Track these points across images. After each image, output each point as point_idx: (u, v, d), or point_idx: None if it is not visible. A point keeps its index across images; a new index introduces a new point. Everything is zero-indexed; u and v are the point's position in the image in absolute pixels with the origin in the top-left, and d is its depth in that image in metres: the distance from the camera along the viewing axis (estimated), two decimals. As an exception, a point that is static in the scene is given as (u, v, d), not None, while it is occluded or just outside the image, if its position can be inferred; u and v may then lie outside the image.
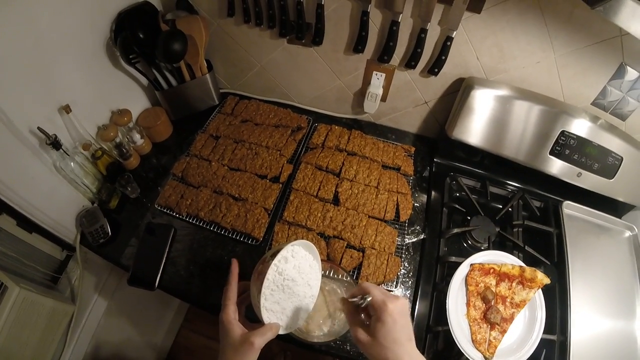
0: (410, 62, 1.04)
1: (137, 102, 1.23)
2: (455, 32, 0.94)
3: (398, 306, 0.59)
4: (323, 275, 0.88)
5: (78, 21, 0.96)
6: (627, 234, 1.10)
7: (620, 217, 1.12)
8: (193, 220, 1.06)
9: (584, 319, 0.94)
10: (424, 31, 0.96)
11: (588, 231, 1.10)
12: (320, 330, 0.84)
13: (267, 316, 0.68)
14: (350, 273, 0.94)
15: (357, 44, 1.05)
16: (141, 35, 1.07)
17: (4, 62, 0.79)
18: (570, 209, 1.10)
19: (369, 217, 1.04)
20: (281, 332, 0.70)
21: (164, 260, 1.01)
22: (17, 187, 0.91)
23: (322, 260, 0.92)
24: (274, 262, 0.67)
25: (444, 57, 1.00)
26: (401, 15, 0.95)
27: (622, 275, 1.03)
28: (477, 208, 1.09)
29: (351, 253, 0.98)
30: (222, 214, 1.03)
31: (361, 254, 0.98)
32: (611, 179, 1.04)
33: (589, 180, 1.05)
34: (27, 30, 0.83)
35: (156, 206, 1.10)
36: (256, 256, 0.98)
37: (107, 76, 1.12)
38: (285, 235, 1.00)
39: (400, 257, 1.00)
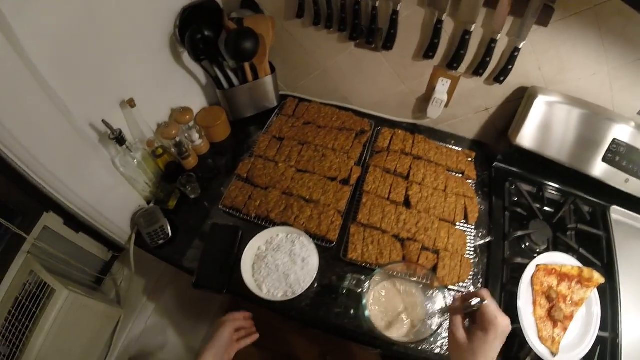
0: (478, 70, 1.11)
1: (196, 100, 1.25)
2: (522, 43, 1.03)
3: (505, 325, 0.63)
4: (399, 277, 0.96)
5: (142, 15, 0.98)
6: None
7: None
8: (262, 222, 1.08)
9: (634, 319, 1.02)
10: (493, 41, 1.04)
11: (633, 235, 1.19)
12: (399, 330, 0.90)
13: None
14: (428, 273, 1.00)
15: (428, 51, 1.12)
16: (206, 33, 1.11)
17: (67, 52, 0.80)
18: (617, 213, 1.20)
19: (440, 219, 1.10)
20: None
21: (232, 263, 1.03)
22: (73, 183, 0.91)
23: (398, 261, 1.00)
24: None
25: (510, 67, 1.08)
26: (474, 25, 1.03)
27: None
28: (535, 212, 1.19)
29: (426, 255, 1.03)
30: (295, 216, 1.06)
31: (436, 255, 1.04)
32: None
33: (636, 186, 1.15)
34: (91, 22, 0.84)
35: (220, 207, 1.12)
36: (329, 258, 1.03)
37: (168, 73, 1.14)
38: (362, 237, 1.04)
39: (471, 258, 1.08)
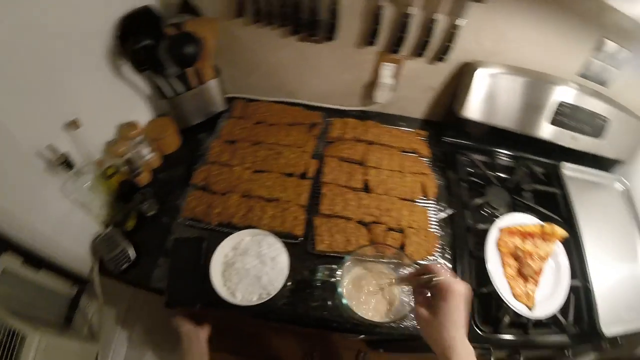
0: (419, 51, 1.15)
1: (142, 113, 1.22)
2: (461, 21, 1.08)
3: (463, 291, 0.66)
4: (370, 261, 0.99)
5: (79, 30, 0.95)
6: (619, 186, 1.32)
7: (608, 172, 1.35)
8: (226, 228, 1.07)
9: (600, 265, 1.10)
10: (433, 21, 1.09)
11: (586, 188, 1.29)
12: (378, 312, 0.93)
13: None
14: (397, 252, 1.03)
15: (370, 37, 1.14)
16: (145, 42, 1.09)
17: (6, 78, 0.77)
18: (568, 170, 1.30)
19: (401, 199, 1.13)
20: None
21: (201, 275, 1.00)
22: (25, 218, 0.87)
23: (366, 245, 1.02)
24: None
25: (450, 44, 1.13)
26: (412, 7, 1.06)
27: (621, 223, 1.24)
28: (491, 179, 1.25)
29: (392, 235, 1.06)
30: (258, 217, 1.06)
31: (401, 234, 1.07)
32: (600, 138, 1.24)
33: (582, 142, 1.25)
34: (26, 43, 0.80)
35: (181, 220, 1.10)
36: (298, 254, 1.04)
37: (110, 87, 1.11)
38: (327, 227, 1.05)
39: (436, 232, 1.12)
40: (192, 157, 1.23)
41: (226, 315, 1.14)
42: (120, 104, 1.15)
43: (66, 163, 0.93)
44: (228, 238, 1.01)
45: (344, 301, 0.88)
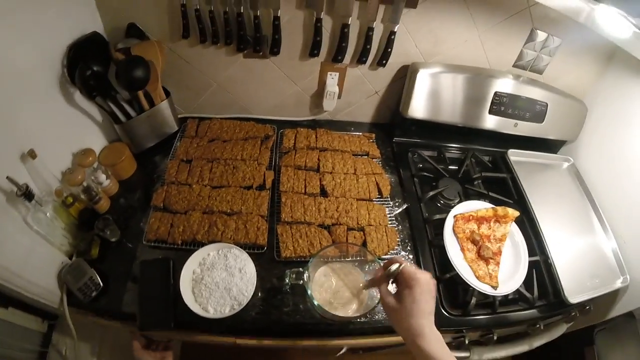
0: (361, 58, 1.25)
1: (96, 140, 1.24)
2: (397, 27, 1.17)
3: (427, 279, 0.71)
4: (335, 261, 1.06)
5: (27, 60, 0.97)
6: (566, 164, 1.47)
7: (556, 153, 1.49)
8: (190, 246, 1.11)
9: (558, 240, 1.22)
10: (371, 29, 1.18)
11: (534, 170, 1.42)
12: (349, 309, 1.00)
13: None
14: (360, 249, 1.09)
15: (313, 49, 1.22)
16: (95, 68, 1.12)
17: None
18: (514, 155, 1.42)
19: (357, 199, 1.21)
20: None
21: (172, 294, 1.04)
22: None
23: (329, 245, 1.09)
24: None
25: (389, 50, 1.23)
26: (350, 18, 1.15)
27: (573, 199, 1.37)
28: (441, 172, 1.36)
29: (353, 234, 1.14)
30: (221, 231, 1.10)
31: (362, 232, 1.15)
32: (542, 122, 1.37)
33: (525, 128, 1.38)
34: None
35: (145, 242, 1.13)
36: (264, 263, 1.09)
37: (63, 116, 1.13)
38: (290, 234, 1.11)
39: (394, 227, 1.20)
40: (149, 179, 1.27)
41: (191, 344, 1.18)
42: (74, 131, 1.17)
43: (27, 194, 0.94)
44: (193, 255, 1.05)
45: (315, 302, 0.94)
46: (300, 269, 1.04)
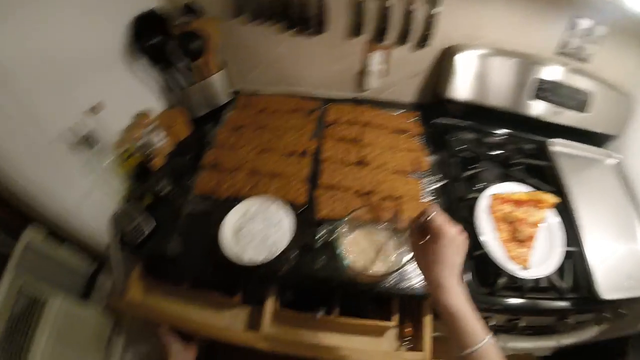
0: (402, 39, 1.33)
1: (154, 104, 1.39)
2: (438, 9, 1.25)
3: (453, 233, 0.71)
4: (366, 226, 1.12)
5: (99, 29, 1.14)
6: (610, 161, 1.41)
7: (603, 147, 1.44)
8: (234, 201, 1.20)
9: (595, 235, 1.18)
10: (411, 11, 1.26)
11: (577, 162, 1.38)
12: (376, 268, 1.04)
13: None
14: (394, 214, 1.15)
15: (356, 29, 1.32)
16: (156, 40, 1.28)
17: (35, 68, 0.92)
18: (557, 145, 1.40)
19: (394, 172, 1.27)
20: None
21: (212, 244, 1.13)
22: (53, 191, 1.01)
23: (364, 206, 1.15)
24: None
25: (430, 31, 1.30)
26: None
27: (615, 199, 1.31)
28: (480, 156, 1.38)
29: (388, 203, 1.19)
30: (263, 191, 1.20)
31: (396, 202, 1.20)
32: (585, 113, 1.36)
33: (567, 117, 1.37)
34: (53, 36, 0.98)
35: (193, 196, 1.25)
36: (301, 222, 1.15)
37: (126, 80, 1.28)
38: (327, 197, 1.19)
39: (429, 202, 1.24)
40: (200, 143, 1.40)
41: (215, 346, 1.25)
42: (135, 95, 1.33)
43: (90, 141, 1.09)
44: (237, 206, 1.15)
45: (345, 262, 1.01)
46: (334, 226, 1.13)
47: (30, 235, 1.11)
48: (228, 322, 1.17)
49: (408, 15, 1.28)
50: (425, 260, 0.73)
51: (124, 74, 1.29)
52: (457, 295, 0.68)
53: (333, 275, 1.09)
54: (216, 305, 1.19)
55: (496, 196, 1.22)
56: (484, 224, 1.16)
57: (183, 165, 1.35)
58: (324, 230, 1.15)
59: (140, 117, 1.29)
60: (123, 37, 1.24)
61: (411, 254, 0.86)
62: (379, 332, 1.14)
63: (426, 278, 0.74)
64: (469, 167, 1.35)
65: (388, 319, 1.11)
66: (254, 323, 1.13)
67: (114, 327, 1.28)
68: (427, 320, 1.10)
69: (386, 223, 1.11)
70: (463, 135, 1.44)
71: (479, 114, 1.43)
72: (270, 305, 1.15)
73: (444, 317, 0.69)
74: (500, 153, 1.40)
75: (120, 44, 1.24)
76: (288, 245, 1.09)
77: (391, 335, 1.15)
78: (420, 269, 0.76)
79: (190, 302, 1.21)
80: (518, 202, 1.22)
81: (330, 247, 1.13)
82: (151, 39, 1.26)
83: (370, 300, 1.18)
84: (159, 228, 1.21)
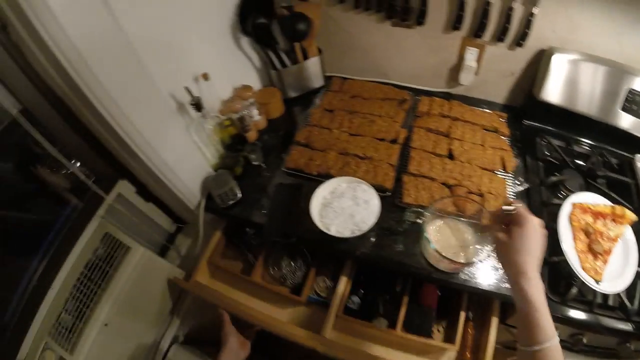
0: (500, 36, 1.34)
1: (252, 81, 1.49)
2: (536, 8, 1.25)
3: (537, 221, 0.74)
4: (450, 217, 1.15)
5: (209, 6, 1.24)
6: None
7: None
8: (323, 178, 1.27)
9: None
10: (510, 9, 1.27)
11: None
12: (456, 257, 1.08)
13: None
14: (479, 208, 1.17)
15: (456, 23, 1.35)
16: (261, 20, 1.37)
17: (151, 36, 1.02)
18: None
19: (481, 168, 1.30)
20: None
21: (298, 215, 1.21)
22: (156, 145, 1.10)
23: (450, 196, 1.19)
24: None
25: (527, 30, 1.30)
26: None
27: None
28: (566, 163, 1.38)
29: (472, 197, 1.22)
30: (353, 171, 1.27)
31: (481, 198, 1.24)
32: None
33: None
34: (173, 11, 1.10)
35: (284, 169, 1.34)
36: (386, 205, 1.20)
37: (229, 54, 1.39)
38: (414, 184, 1.24)
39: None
40: (293, 122, 1.49)
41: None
42: (237, 70, 1.44)
43: (198, 105, 1.18)
44: (327, 182, 1.22)
45: (432, 245, 1.05)
46: (420, 209, 1.17)
47: (123, 188, 1.25)
48: (291, 319, 1.24)
49: (507, 13, 1.30)
50: (509, 247, 0.74)
51: (230, 50, 1.39)
52: (537, 285, 0.69)
53: (411, 260, 1.15)
54: (282, 300, 1.26)
55: (577, 205, 1.22)
56: (563, 230, 1.16)
57: (275, 141, 1.44)
58: (408, 215, 1.20)
59: (242, 90, 1.38)
60: (230, 14, 1.34)
61: (492, 246, 0.89)
62: (440, 353, 1.17)
63: (508, 265, 0.74)
64: (554, 174, 1.37)
65: (451, 340, 1.15)
66: (316, 325, 1.17)
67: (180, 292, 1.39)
68: (493, 325, 1.14)
69: (469, 217, 1.15)
70: (550, 140, 1.45)
71: (568, 121, 1.42)
72: (343, 283, 1.22)
73: (521, 306, 0.69)
74: (585, 163, 1.39)
75: (229, 19, 1.34)
76: (373, 226, 1.14)
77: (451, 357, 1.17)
78: (502, 257, 0.77)
79: (255, 293, 1.29)
80: (598, 214, 1.21)
81: (411, 233, 1.19)
82: (257, 19, 1.35)
83: (434, 317, 1.22)
84: (247, 196, 1.31)
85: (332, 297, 1.19)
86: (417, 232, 1.17)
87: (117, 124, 0.97)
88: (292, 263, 1.35)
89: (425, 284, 1.24)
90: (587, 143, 1.46)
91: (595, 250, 1.13)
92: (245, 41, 1.42)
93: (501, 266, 0.78)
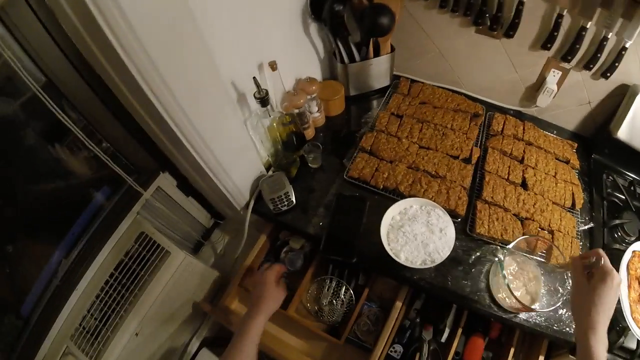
0: (588, 64, 1.27)
1: (315, 72, 1.36)
2: (629, 43, 1.19)
3: (619, 278, 0.76)
4: (519, 253, 1.11)
5: None
6: None
7: None
8: (389, 194, 1.20)
9: None
10: (605, 39, 1.20)
11: None
12: (524, 299, 1.05)
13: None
14: (550, 246, 1.13)
15: (547, 42, 1.26)
16: (338, 8, 1.23)
17: (219, 10, 0.89)
18: None
19: (553, 202, 1.24)
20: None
21: (360, 232, 1.14)
22: (209, 138, 0.97)
23: (527, 236, 1.14)
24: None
25: (617, 64, 1.25)
26: (590, 22, 1.18)
27: None
28: (627, 204, 1.37)
29: (543, 234, 1.17)
30: (423, 189, 1.18)
31: (551, 235, 1.19)
32: None
33: None
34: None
35: (345, 177, 1.23)
36: (455, 232, 1.14)
37: (296, 42, 1.25)
38: (487, 213, 1.16)
39: (578, 241, 1.22)
40: (356, 123, 1.38)
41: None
42: (301, 59, 1.30)
43: (264, 99, 1.05)
44: (398, 203, 1.13)
45: (507, 282, 1.00)
46: (490, 247, 1.14)
47: (162, 181, 1.16)
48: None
49: (602, 43, 1.23)
50: (585, 300, 0.75)
51: (298, 36, 1.26)
52: (604, 344, 0.70)
53: (475, 296, 1.10)
54: (316, 338, 1.18)
55: (637, 253, 1.21)
56: (622, 279, 1.14)
57: (335, 142, 1.32)
58: (479, 248, 1.14)
59: (306, 83, 1.26)
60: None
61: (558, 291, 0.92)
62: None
63: (581, 316, 0.75)
64: (614, 215, 1.33)
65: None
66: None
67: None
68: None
69: (539, 254, 1.12)
70: (616, 179, 1.42)
71: (636, 162, 1.41)
72: (397, 308, 1.16)
73: (583, 359, 0.71)
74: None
75: (300, 4, 1.20)
76: (449, 254, 1.06)
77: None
78: (577, 306, 0.78)
79: (289, 326, 1.20)
80: None
81: (476, 265, 1.14)
82: (335, 4, 1.21)
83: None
84: (300, 201, 1.21)
85: (375, 344, 1.12)
86: (481, 265, 1.14)
87: (165, 111, 0.83)
88: (334, 301, 1.24)
89: (473, 338, 1.19)
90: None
91: (645, 300, 1.11)
92: (313, 28, 1.28)
93: (572, 312, 0.81)
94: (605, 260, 0.77)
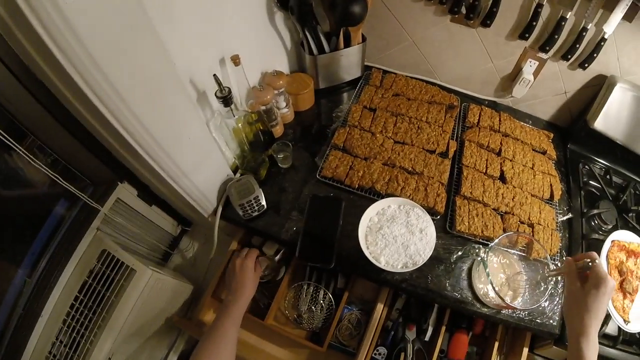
0: (566, 54, 1.26)
1: (281, 66, 1.29)
2: (609, 34, 1.19)
3: (613, 283, 0.76)
4: (501, 249, 1.11)
5: None
6: None
7: None
8: (365, 193, 1.16)
9: None
10: (585, 29, 1.19)
11: None
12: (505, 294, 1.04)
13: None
14: (530, 241, 1.12)
15: (524, 32, 1.24)
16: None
17: (173, 10, 0.80)
18: None
19: (532, 195, 1.23)
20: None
21: (337, 235, 1.09)
22: (169, 146, 0.87)
23: (509, 234, 1.13)
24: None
25: (595, 55, 1.24)
26: (570, 12, 1.17)
27: None
28: (604, 193, 1.37)
29: (523, 228, 1.16)
30: (401, 187, 1.14)
31: (530, 229, 1.18)
32: None
33: None
34: None
35: (318, 177, 1.17)
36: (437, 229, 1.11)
37: (260, 33, 1.18)
38: (467, 210, 1.14)
39: (558, 233, 1.21)
40: (327, 117, 1.32)
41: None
42: (266, 51, 1.22)
43: (227, 98, 0.98)
44: (375, 204, 1.08)
45: (491, 281, 0.98)
46: (471, 246, 1.13)
47: (122, 192, 1.08)
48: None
49: (581, 34, 1.22)
50: (580, 304, 0.76)
51: (262, 27, 1.18)
52: (595, 348, 0.73)
53: (460, 296, 1.08)
54: (298, 345, 1.15)
55: (616, 243, 1.22)
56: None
57: (305, 139, 1.27)
58: (460, 245, 1.13)
59: (273, 77, 1.19)
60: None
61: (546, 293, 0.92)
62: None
63: (573, 320, 0.76)
64: (592, 205, 1.34)
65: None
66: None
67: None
68: (524, 355, 1.12)
69: (520, 249, 1.12)
70: (594, 168, 1.42)
71: (613, 151, 1.41)
72: (378, 310, 1.13)
73: None
74: (620, 196, 1.39)
75: None
76: (430, 255, 1.03)
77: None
78: (569, 310, 0.79)
79: (267, 335, 1.17)
80: (631, 253, 1.22)
81: (457, 263, 1.12)
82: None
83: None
84: (272, 205, 1.15)
85: (358, 348, 1.10)
86: (463, 262, 1.13)
87: (111, 114, 0.71)
88: (312, 307, 1.20)
89: (457, 334, 1.18)
90: (625, 174, 1.46)
91: (625, 289, 1.14)
92: (279, 17, 1.21)
93: (564, 316, 0.82)
94: (600, 264, 0.78)
